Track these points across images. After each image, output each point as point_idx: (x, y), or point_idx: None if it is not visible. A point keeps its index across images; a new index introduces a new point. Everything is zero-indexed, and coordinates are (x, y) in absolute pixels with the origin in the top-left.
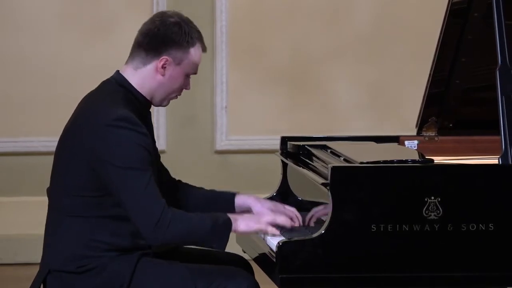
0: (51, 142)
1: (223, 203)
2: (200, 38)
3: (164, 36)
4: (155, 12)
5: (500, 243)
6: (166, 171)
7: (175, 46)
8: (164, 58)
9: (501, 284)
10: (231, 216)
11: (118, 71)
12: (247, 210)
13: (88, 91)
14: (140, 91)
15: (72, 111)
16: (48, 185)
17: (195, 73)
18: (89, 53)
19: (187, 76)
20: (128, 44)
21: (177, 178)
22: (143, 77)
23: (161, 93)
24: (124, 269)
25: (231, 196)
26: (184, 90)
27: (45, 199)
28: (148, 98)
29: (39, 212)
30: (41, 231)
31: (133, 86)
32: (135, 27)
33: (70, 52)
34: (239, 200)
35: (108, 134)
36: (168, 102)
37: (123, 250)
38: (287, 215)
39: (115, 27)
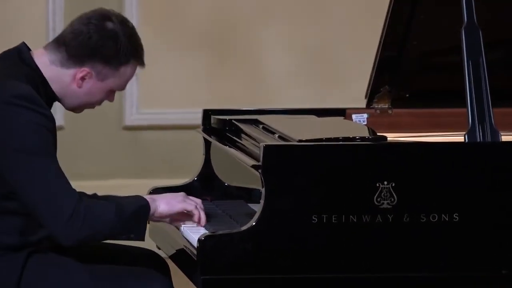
0: None
1: None
2: (138, 55)
3: (93, 48)
4: None
5: (467, 237)
6: None
7: (102, 61)
8: (85, 70)
9: (467, 286)
10: (148, 197)
11: (24, 43)
12: None
13: None
14: (50, 84)
15: None
16: None
17: (123, 89)
18: None
19: (111, 91)
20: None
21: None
22: (56, 76)
23: (73, 101)
24: (9, 272)
25: None
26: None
27: None
28: (58, 96)
29: None
30: None
31: (42, 74)
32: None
33: None
34: None
35: (6, 113)
36: (82, 111)
37: (7, 248)
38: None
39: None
